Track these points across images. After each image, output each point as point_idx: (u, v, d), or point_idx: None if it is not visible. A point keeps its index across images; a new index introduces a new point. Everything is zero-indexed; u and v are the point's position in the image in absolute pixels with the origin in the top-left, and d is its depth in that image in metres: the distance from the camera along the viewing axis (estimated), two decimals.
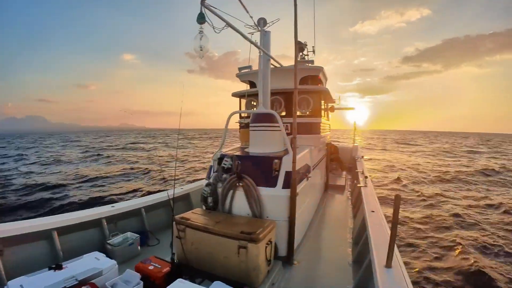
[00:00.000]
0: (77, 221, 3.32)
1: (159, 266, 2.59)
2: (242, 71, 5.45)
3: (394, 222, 2.20)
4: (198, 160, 23.44)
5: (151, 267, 2.58)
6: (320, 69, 5.51)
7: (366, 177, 5.49)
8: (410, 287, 1.99)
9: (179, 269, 2.61)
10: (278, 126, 3.62)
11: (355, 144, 9.72)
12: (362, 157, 8.60)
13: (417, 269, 5.55)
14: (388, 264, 2.24)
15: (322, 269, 3.26)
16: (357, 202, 5.27)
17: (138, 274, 2.43)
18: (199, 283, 2.44)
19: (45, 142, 56.23)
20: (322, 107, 5.91)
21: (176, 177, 14.77)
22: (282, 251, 3.23)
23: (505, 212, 9.36)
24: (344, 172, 8.63)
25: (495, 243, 6.85)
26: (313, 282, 2.97)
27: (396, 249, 2.45)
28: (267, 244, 2.70)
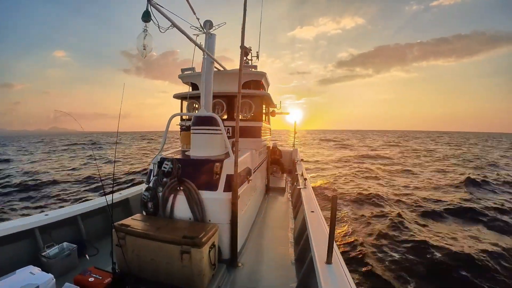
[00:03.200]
0: (6, 233, 2.90)
1: (100, 277, 2.41)
2: (185, 72, 5.30)
3: (332, 221, 2.34)
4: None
5: (91, 279, 2.39)
6: (263, 74, 5.66)
7: (305, 179, 5.76)
8: (350, 280, 2.15)
9: (122, 279, 2.45)
10: (220, 130, 3.62)
11: (295, 148, 10.07)
12: (302, 160, 9.00)
13: (355, 264, 6.19)
14: (329, 261, 2.38)
15: (265, 270, 3.34)
16: (297, 203, 5.49)
17: (78, 287, 2.23)
18: None
19: None
20: (264, 111, 6.06)
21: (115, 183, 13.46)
22: (226, 254, 3.23)
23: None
24: (285, 175, 8.91)
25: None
26: (257, 283, 3.02)
27: (335, 246, 2.61)
28: (211, 248, 2.68)
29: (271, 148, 8.75)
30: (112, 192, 2.85)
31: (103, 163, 22.01)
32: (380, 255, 6.51)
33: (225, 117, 5.42)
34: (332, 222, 2.35)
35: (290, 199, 6.73)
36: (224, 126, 3.76)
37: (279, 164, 9.07)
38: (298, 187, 5.48)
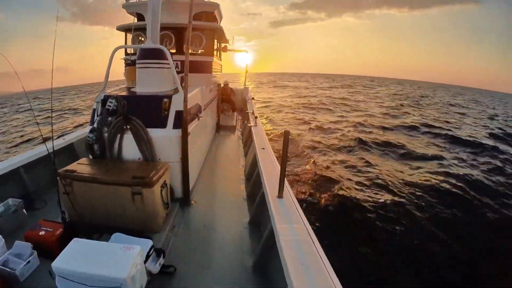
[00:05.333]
0: None
1: (51, 230, 2.32)
2: (130, 1, 4.71)
3: (284, 155, 2.42)
4: None
5: (42, 233, 2.29)
6: (216, 5, 5.21)
7: (256, 117, 5.80)
8: (301, 212, 2.32)
9: (74, 228, 2.38)
10: (168, 63, 3.35)
11: (246, 86, 9.95)
12: (253, 98, 9.01)
13: (304, 197, 6.90)
14: (280, 195, 2.52)
15: (218, 206, 3.49)
16: (248, 141, 5.63)
17: (29, 243, 2.16)
18: (98, 239, 2.31)
19: None
20: (215, 46, 5.73)
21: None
22: (178, 193, 3.26)
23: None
24: (235, 113, 8.92)
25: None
26: (212, 219, 3.17)
27: (286, 181, 2.75)
28: (162, 187, 2.67)
29: (222, 85, 8.57)
30: (52, 137, 2.58)
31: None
32: (330, 187, 7.44)
33: (174, 51, 5.01)
34: (284, 157, 2.42)
35: (240, 137, 6.83)
36: (173, 60, 3.49)
37: (230, 102, 8.96)
38: (248, 125, 5.52)
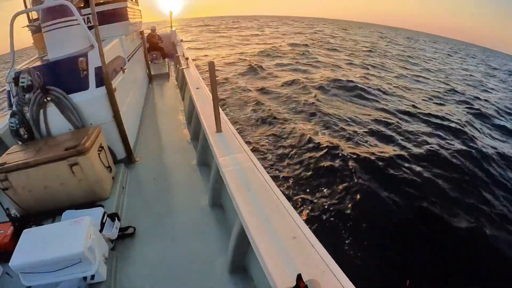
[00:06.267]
0: None
1: (2, 231, 2.10)
2: None
3: (213, 88, 2.40)
4: None
5: None
6: None
7: (187, 58, 5.59)
8: (241, 142, 2.40)
9: (25, 222, 2.20)
10: (76, 19, 2.97)
11: (173, 29, 9.20)
12: (181, 40, 8.53)
13: (247, 131, 7.21)
14: (218, 130, 2.57)
15: (165, 156, 3.48)
16: (183, 85, 5.50)
17: None
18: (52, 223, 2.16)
19: None
20: None
21: None
22: (121, 153, 3.14)
23: None
24: (167, 60, 8.57)
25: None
26: (160, 170, 3.16)
27: (224, 116, 2.79)
28: (99, 151, 2.53)
29: (149, 33, 8.11)
30: None
31: None
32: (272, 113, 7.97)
33: (82, 4, 4.33)
34: (214, 89, 2.42)
35: (175, 82, 6.64)
36: (83, 15, 3.20)
37: (160, 49, 8.50)
38: (180, 68, 5.37)
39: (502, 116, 11.25)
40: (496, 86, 18.23)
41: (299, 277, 1.04)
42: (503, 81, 21.61)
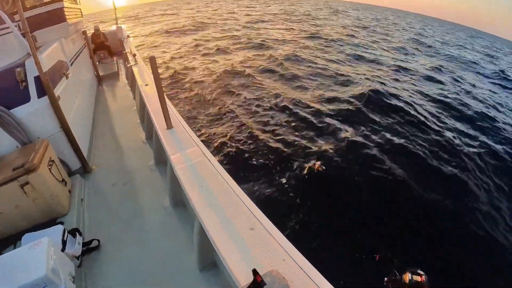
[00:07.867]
0: None
1: None
2: None
3: (158, 84, 2.38)
4: None
5: None
6: None
7: (134, 55, 5.42)
8: (193, 136, 2.40)
9: None
10: (8, 27, 2.80)
11: (119, 25, 8.59)
12: (128, 36, 8.12)
13: (199, 125, 7.14)
14: (169, 126, 2.56)
15: (122, 159, 3.39)
16: (133, 82, 5.36)
17: None
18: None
19: None
20: None
21: None
22: (75, 164, 3.02)
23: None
24: (115, 58, 8.13)
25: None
26: (118, 175, 3.09)
27: (175, 111, 2.77)
28: (50, 165, 2.40)
29: (93, 32, 7.67)
30: None
31: None
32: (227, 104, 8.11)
33: (15, 10, 3.82)
34: (158, 85, 2.40)
35: (126, 81, 6.39)
36: (16, 22, 2.97)
37: (106, 48, 8.02)
38: (128, 65, 5.20)
39: None
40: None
41: (254, 272, 1.11)
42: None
